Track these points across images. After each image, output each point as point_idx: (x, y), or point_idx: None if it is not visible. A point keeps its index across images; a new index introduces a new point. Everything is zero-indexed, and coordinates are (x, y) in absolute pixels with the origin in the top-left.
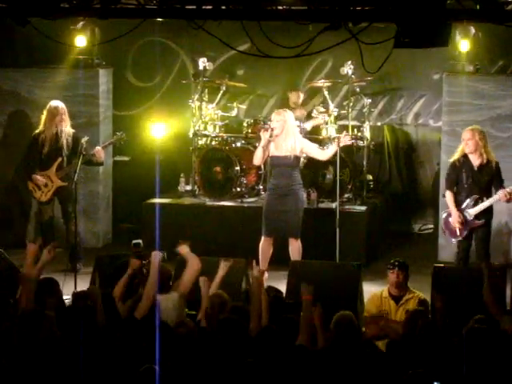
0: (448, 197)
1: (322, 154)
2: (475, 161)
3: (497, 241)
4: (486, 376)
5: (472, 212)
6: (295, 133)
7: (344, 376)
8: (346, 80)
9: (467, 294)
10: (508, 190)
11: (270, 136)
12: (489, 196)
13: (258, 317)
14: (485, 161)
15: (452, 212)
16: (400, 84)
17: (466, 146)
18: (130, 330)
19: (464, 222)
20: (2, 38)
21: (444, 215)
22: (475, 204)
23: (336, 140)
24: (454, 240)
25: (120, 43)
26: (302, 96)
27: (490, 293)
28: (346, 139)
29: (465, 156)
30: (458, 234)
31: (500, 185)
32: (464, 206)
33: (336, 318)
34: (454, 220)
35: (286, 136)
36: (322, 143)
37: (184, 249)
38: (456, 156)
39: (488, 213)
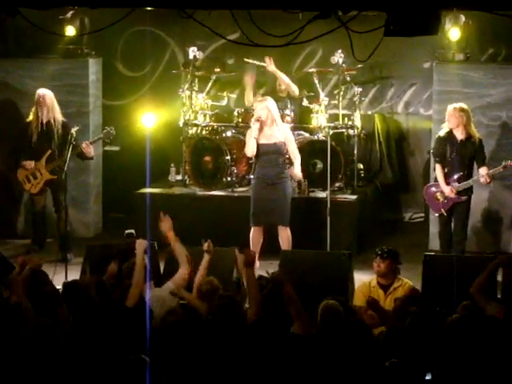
0: (437, 170)
1: (294, 157)
2: (459, 136)
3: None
4: (474, 362)
5: (456, 188)
6: (278, 120)
7: (335, 363)
8: (336, 69)
9: (457, 282)
10: (489, 172)
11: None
12: (471, 171)
13: (256, 304)
14: (467, 136)
15: (442, 186)
16: (390, 73)
17: (448, 121)
18: (120, 319)
19: (449, 197)
20: None
21: (429, 188)
22: (459, 180)
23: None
24: (437, 213)
25: (109, 33)
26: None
27: (481, 283)
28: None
29: (449, 131)
30: (442, 208)
31: (482, 161)
32: (449, 180)
33: (321, 306)
34: (449, 192)
35: (271, 123)
36: (312, 132)
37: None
38: (444, 130)
39: (469, 189)
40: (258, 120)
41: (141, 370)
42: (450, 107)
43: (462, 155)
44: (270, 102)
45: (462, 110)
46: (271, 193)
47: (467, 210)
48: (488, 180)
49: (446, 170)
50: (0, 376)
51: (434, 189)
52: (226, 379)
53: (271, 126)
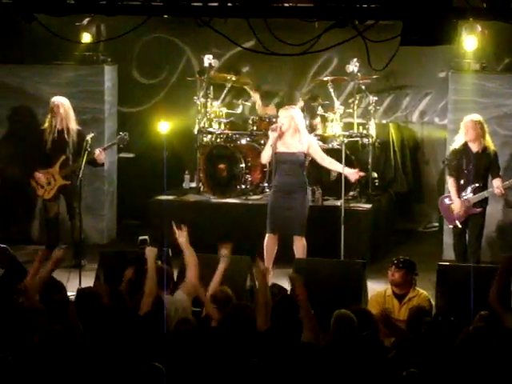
0: (450, 183)
1: (324, 161)
2: (474, 148)
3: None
4: (490, 374)
5: (472, 200)
6: (303, 129)
7: (348, 374)
8: (351, 77)
9: (472, 292)
10: (505, 184)
11: (279, 134)
12: (486, 183)
13: (266, 314)
14: (483, 148)
15: (454, 199)
16: (406, 82)
17: (466, 134)
18: (134, 327)
19: (466, 209)
20: (8, 35)
21: (444, 199)
22: (474, 192)
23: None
24: (452, 224)
25: (125, 40)
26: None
27: (497, 291)
28: (353, 176)
29: (465, 143)
30: (456, 219)
31: (497, 173)
32: (464, 193)
33: (335, 316)
34: (458, 207)
35: (294, 132)
36: (326, 141)
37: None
38: (458, 143)
39: (485, 201)
40: (275, 129)
41: (157, 378)
42: (467, 119)
43: (478, 167)
44: (295, 110)
45: (479, 122)
46: (288, 202)
47: (482, 222)
48: (502, 191)
49: (461, 182)
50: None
51: (448, 201)
52: None
53: (293, 135)
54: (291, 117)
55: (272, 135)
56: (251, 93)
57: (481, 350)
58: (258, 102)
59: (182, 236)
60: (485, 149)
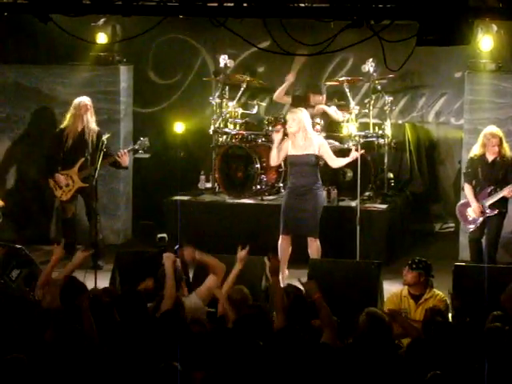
0: (467, 190)
1: (334, 162)
2: (491, 157)
3: None
4: (506, 375)
5: (487, 202)
6: (311, 131)
7: (365, 375)
8: (367, 78)
9: (488, 293)
10: None
11: (283, 135)
12: (503, 188)
13: (281, 312)
14: (499, 156)
15: (472, 203)
16: (421, 82)
17: (483, 145)
18: (151, 329)
19: (482, 212)
20: (24, 35)
21: (461, 206)
22: (490, 194)
23: (353, 150)
24: (470, 227)
25: (141, 40)
26: (323, 97)
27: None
28: (354, 154)
29: (482, 153)
30: (473, 222)
31: None
32: (479, 196)
33: (367, 315)
34: (475, 211)
35: (304, 135)
36: (342, 141)
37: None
38: (475, 152)
39: (502, 204)
40: (279, 131)
41: (172, 377)
42: (486, 131)
43: (495, 175)
44: (302, 113)
45: (497, 134)
46: (301, 203)
47: (499, 225)
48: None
49: (477, 190)
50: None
51: (465, 206)
52: None
53: (303, 137)
54: (299, 119)
55: (276, 137)
56: (290, 74)
57: (493, 350)
58: (284, 86)
59: (187, 251)
60: (502, 157)
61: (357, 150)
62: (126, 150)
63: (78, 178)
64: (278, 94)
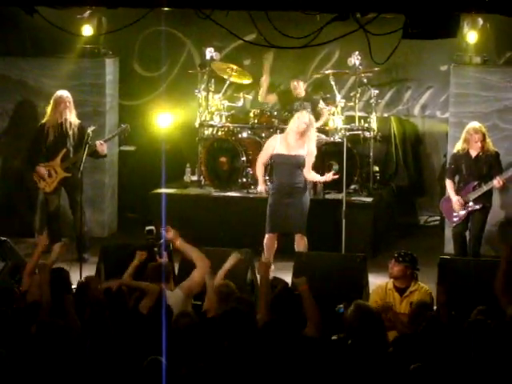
0: (448, 185)
1: (309, 174)
2: (474, 153)
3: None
4: (491, 369)
5: (472, 197)
6: (314, 139)
7: (356, 369)
8: (353, 71)
9: (473, 286)
10: (501, 177)
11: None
12: (487, 182)
13: (266, 307)
14: (483, 151)
15: (452, 198)
16: (407, 75)
17: (474, 144)
18: (135, 323)
19: (463, 205)
20: (9, 27)
21: (444, 201)
22: (474, 189)
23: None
24: (453, 220)
25: (126, 33)
26: (303, 85)
27: (503, 279)
28: (330, 175)
29: (465, 149)
30: (456, 216)
31: (500, 172)
32: (463, 191)
33: (358, 308)
34: (455, 205)
35: (300, 137)
36: (328, 134)
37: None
38: (458, 148)
39: (487, 198)
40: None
41: (157, 371)
42: (469, 127)
43: (479, 170)
44: (313, 119)
45: (480, 130)
46: (289, 201)
47: (483, 220)
48: (501, 183)
49: (461, 185)
50: (10, 376)
51: (448, 201)
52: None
53: (299, 139)
54: (310, 123)
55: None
56: (264, 77)
57: (478, 344)
58: (264, 88)
59: (170, 233)
60: (485, 151)
61: (330, 171)
62: (102, 140)
63: (61, 169)
64: (261, 96)
